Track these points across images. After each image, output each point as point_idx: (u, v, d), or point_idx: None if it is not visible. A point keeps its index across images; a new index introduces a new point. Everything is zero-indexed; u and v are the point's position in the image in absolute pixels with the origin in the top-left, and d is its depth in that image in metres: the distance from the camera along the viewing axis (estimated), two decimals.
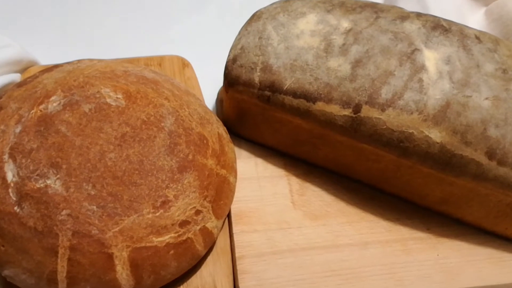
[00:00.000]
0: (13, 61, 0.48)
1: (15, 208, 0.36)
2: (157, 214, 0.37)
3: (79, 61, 0.44)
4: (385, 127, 0.39)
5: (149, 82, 0.42)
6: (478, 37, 0.42)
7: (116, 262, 0.36)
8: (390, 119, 0.39)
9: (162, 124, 0.40)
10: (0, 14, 0.61)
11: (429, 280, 0.42)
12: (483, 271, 0.43)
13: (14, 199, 0.36)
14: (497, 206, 0.41)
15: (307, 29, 0.42)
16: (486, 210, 0.42)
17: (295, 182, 0.47)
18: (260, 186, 0.46)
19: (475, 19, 0.55)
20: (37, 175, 0.36)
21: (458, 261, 0.43)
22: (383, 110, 0.39)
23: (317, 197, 0.46)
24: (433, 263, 0.43)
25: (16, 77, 0.46)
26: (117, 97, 0.40)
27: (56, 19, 0.62)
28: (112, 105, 0.39)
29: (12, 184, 0.36)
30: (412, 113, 0.38)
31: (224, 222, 0.43)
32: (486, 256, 0.43)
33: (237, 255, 0.42)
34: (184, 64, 0.54)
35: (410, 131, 0.38)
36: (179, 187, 0.38)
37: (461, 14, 0.54)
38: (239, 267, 0.41)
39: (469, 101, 0.38)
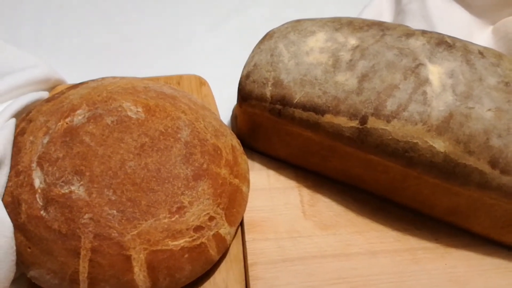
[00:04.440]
0: (42, 80, 0.51)
1: (42, 212, 0.38)
2: (173, 219, 0.39)
3: (103, 78, 0.48)
4: (390, 137, 0.41)
5: (167, 97, 0.45)
6: (482, 52, 0.44)
7: (134, 263, 0.38)
8: (396, 129, 0.40)
9: (179, 135, 0.42)
10: (29, 36, 0.66)
11: None
12: (490, 280, 0.43)
13: (41, 204, 0.39)
14: (504, 216, 0.42)
15: (316, 46, 0.45)
16: (492, 220, 0.43)
17: (306, 193, 0.48)
18: (272, 196, 0.48)
19: (483, 38, 0.57)
20: (62, 181, 0.39)
21: (466, 270, 0.44)
22: (388, 121, 0.41)
23: (327, 207, 0.47)
24: (441, 273, 0.44)
25: (44, 95, 0.49)
26: (137, 111, 0.42)
27: (81, 41, 0.66)
28: (132, 117, 0.42)
29: (39, 190, 0.39)
30: (416, 124, 0.40)
31: (237, 230, 0.45)
32: (494, 266, 0.44)
33: (249, 262, 0.44)
34: (201, 82, 0.57)
35: (415, 141, 0.40)
36: (194, 194, 0.40)
37: (469, 32, 0.56)
38: (251, 273, 0.43)
39: (472, 112, 0.40)
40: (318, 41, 0.45)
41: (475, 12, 0.59)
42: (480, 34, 0.57)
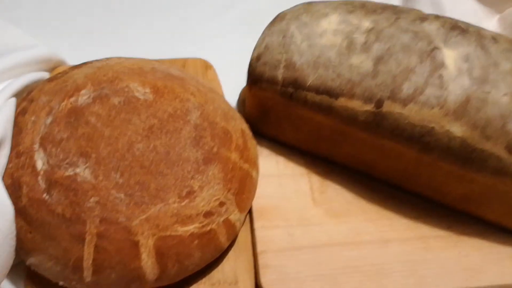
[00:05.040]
0: (43, 60, 0.50)
1: (44, 195, 0.36)
2: (183, 203, 0.38)
3: (108, 58, 0.46)
4: (407, 121, 0.40)
5: (175, 79, 0.44)
6: (495, 38, 0.43)
7: (142, 250, 0.36)
8: (412, 113, 0.39)
9: (188, 117, 0.41)
10: (29, 17, 0.64)
11: (451, 277, 0.42)
12: (505, 269, 0.42)
13: (44, 186, 0.37)
14: None
15: (330, 28, 0.43)
16: (507, 208, 0.42)
17: (316, 180, 0.47)
18: (281, 183, 0.47)
19: (490, 25, 0.57)
20: (66, 163, 0.37)
21: (479, 259, 0.43)
22: (404, 105, 0.40)
23: (338, 194, 0.46)
24: (454, 261, 0.43)
25: (45, 75, 0.48)
26: (145, 92, 0.41)
27: (83, 22, 0.64)
28: (140, 98, 0.40)
29: (41, 172, 0.37)
30: (433, 108, 0.39)
31: (246, 217, 0.44)
32: (508, 255, 0.43)
33: (258, 250, 0.42)
34: (206, 66, 0.55)
35: (431, 125, 0.39)
36: (204, 179, 0.39)
37: (477, 18, 0.56)
38: (260, 261, 0.42)
39: (488, 97, 0.39)
40: (331, 23, 0.44)
41: (482, 1, 0.59)
42: (487, 22, 0.57)
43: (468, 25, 0.44)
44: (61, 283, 0.37)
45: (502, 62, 0.41)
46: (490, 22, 0.56)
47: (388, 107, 0.40)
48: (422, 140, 0.40)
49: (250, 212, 0.45)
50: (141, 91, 0.41)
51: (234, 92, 0.54)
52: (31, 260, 0.38)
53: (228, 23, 0.66)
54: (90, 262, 0.36)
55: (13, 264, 0.38)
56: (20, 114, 0.40)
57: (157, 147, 0.38)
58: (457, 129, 0.39)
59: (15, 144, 0.39)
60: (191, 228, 0.38)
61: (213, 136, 0.41)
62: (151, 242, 0.36)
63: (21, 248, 0.37)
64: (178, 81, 0.43)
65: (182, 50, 0.60)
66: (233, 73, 0.52)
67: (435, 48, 0.41)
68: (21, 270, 0.41)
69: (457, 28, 0.43)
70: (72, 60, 0.54)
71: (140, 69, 0.43)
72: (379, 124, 0.41)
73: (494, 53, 0.42)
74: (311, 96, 0.42)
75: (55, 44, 0.54)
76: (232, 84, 0.53)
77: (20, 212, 0.37)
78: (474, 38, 0.43)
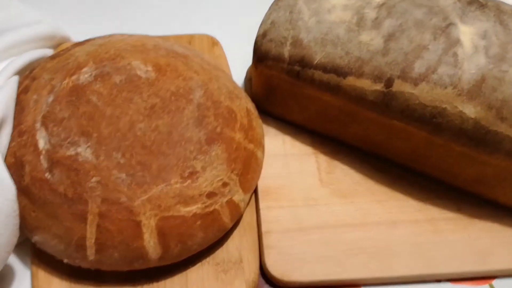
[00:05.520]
0: (47, 36, 0.49)
1: (46, 174, 0.36)
2: (185, 184, 0.37)
3: (110, 35, 0.45)
4: (417, 102, 0.38)
5: (179, 56, 0.43)
6: None
7: (144, 230, 0.36)
8: (423, 93, 0.38)
9: (191, 96, 0.40)
10: None
11: (460, 261, 0.41)
12: None
13: (46, 165, 0.37)
14: None
15: (339, 3, 0.42)
16: None
17: (323, 160, 0.46)
18: (288, 163, 0.46)
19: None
20: (68, 142, 0.37)
21: (490, 242, 0.42)
22: (416, 84, 0.38)
23: (345, 175, 0.45)
24: (464, 244, 0.42)
25: (49, 52, 0.47)
26: (147, 70, 0.40)
27: None
28: (142, 77, 0.39)
29: (43, 152, 0.37)
30: (446, 88, 0.37)
31: (251, 197, 0.43)
32: None
33: (263, 230, 0.42)
34: (213, 43, 0.54)
35: (444, 106, 0.38)
36: (206, 159, 0.38)
37: None
38: (265, 242, 0.41)
39: (506, 76, 0.37)
40: None
41: None
42: None
43: None
44: (65, 260, 0.38)
45: None
46: None
47: (398, 86, 0.38)
48: (433, 121, 0.38)
49: (255, 192, 0.44)
50: (143, 69, 0.40)
51: (241, 70, 0.53)
52: (36, 238, 0.38)
53: None
54: (93, 241, 0.36)
55: (20, 242, 0.38)
56: (22, 93, 0.40)
57: (159, 127, 0.38)
58: (471, 110, 0.37)
59: (17, 123, 0.38)
60: (194, 208, 0.37)
61: (216, 115, 0.40)
62: (153, 222, 0.36)
63: (26, 227, 0.38)
64: (182, 59, 0.42)
65: (189, 26, 0.59)
66: (241, 50, 0.51)
67: (451, 24, 0.39)
68: (27, 247, 0.41)
69: (475, 3, 0.41)
70: (78, 36, 0.53)
71: (142, 46, 0.42)
72: (389, 105, 0.39)
73: None
74: (318, 74, 0.41)
75: (60, 19, 0.53)
76: (240, 61, 0.52)
77: (24, 191, 0.37)
78: (493, 13, 0.40)
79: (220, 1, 0.63)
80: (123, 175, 0.36)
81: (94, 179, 0.36)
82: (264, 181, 0.44)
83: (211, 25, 0.59)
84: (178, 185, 0.37)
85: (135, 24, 0.59)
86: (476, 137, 0.38)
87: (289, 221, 0.43)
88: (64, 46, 0.51)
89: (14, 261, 0.41)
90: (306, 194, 0.44)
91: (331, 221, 0.43)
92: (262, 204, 0.43)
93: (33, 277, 0.40)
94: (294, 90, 0.44)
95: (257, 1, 0.56)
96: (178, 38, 0.54)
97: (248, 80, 0.51)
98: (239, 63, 0.52)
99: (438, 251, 0.41)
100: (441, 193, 0.44)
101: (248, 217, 0.43)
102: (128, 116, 0.38)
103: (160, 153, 0.37)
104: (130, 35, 0.45)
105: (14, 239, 0.37)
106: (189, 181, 0.37)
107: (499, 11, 0.41)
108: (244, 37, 0.52)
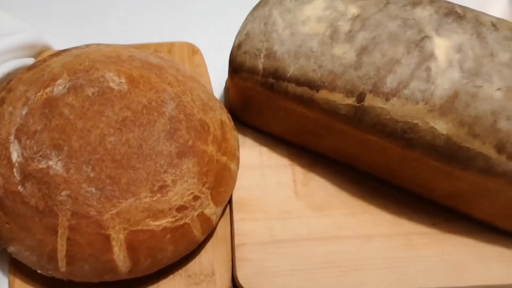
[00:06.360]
0: (27, 46, 0.49)
1: (19, 187, 0.37)
2: (155, 198, 0.37)
3: (87, 45, 0.45)
4: (389, 117, 0.38)
5: (154, 67, 0.42)
6: (495, 24, 0.40)
7: (113, 243, 0.36)
8: (394, 108, 0.37)
9: (163, 109, 0.40)
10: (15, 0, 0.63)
11: (433, 276, 0.41)
12: (491, 269, 0.41)
13: (18, 178, 0.37)
14: (508, 202, 0.39)
15: (314, 15, 0.41)
16: (496, 207, 0.40)
17: (299, 172, 0.46)
18: (264, 174, 0.46)
19: (498, 8, 0.52)
20: (40, 156, 0.37)
21: (464, 258, 0.41)
22: (387, 99, 0.38)
23: (321, 187, 0.45)
24: (438, 259, 0.41)
25: (29, 62, 0.47)
26: (120, 82, 0.40)
27: (70, 5, 0.63)
28: (114, 89, 0.40)
29: (16, 164, 0.37)
30: (417, 103, 0.37)
31: (224, 210, 0.43)
32: (494, 254, 0.42)
33: (236, 242, 0.42)
34: (193, 51, 0.54)
35: (415, 121, 0.37)
36: (177, 172, 0.38)
37: (484, 1, 0.52)
38: (237, 254, 0.41)
39: (480, 92, 0.37)
40: (316, 8, 0.41)
41: None
42: (496, 2, 0.53)
43: (466, 10, 0.41)
44: (39, 271, 0.38)
45: (500, 52, 0.38)
46: (499, 2, 0.52)
47: (370, 101, 0.38)
48: (404, 136, 0.38)
49: (230, 203, 0.44)
50: (116, 81, 0.40)
51: (222, 77, 0.52)
52: (11, 249, 0.38)
53: (217, 5, 0.63)
54: (64, 253, 0.37)
55: None
56: None
57: (130, 140, 0.38)
58: (442, 126, 0.37)
59: None
60: (164, 222, 0.38)
61: (188, 128, 0.40)
62: (122, 236, 0.37)
63: (1, 238, 0.38)
64: (156, 70, 0.42)
65: (170, 33, 0.59)
66: (222, 58, 0.50)
67: (425, 37, 0.39)
68: (7, 256, 0.41)
69: (453, 14, 0.40)
70: (59, 44, 0.53)
71: (117, 57, 0.42)
72: (361, 119, 0.39)
73: (491, 42, 0.39)
74: (292, 87, 0.41)
75: (42, 27, 0.53)
76: (220, 69, 0.51)
77: None
78: (471, 25, 0.40)
79: (201, 9, 0.63)
80: (93, 189, 0.36)
81: (64, 193, 0.36)
82: (239, 193, 0.44)
83: (193, 33, 0.59)
84: (147, 199, 0.37)
85: (117, 32, 0.59)
86: (448, 153, 0.37)
87: (263, 233, 0.42)
88: (45, 55, 0.52)
89: None
90: (280, 207, 0.44)
91: (305, 234, 0.43)
92: (236, 216, 0.43)
93: (10, 286, 0.40)
94: (270, 102, 0.44)
95: (239, 9, 0.55)
96: (158, 46, 0.54)
97: (227, 89, 0.50)
98: (219, 72, 0.52)
99: (412, 266, 0.41)
100: (416, 207, 0.44)
101: (222, 229, 0.43)
102: (99, 129, 0.38)
103: (130, 167, 0.37)
104: (107, 45, 0.45)
105: None
106: (158, 195, 0.37)
107: (478, 23, 0.40)
108: (226, 45, 0.51)
